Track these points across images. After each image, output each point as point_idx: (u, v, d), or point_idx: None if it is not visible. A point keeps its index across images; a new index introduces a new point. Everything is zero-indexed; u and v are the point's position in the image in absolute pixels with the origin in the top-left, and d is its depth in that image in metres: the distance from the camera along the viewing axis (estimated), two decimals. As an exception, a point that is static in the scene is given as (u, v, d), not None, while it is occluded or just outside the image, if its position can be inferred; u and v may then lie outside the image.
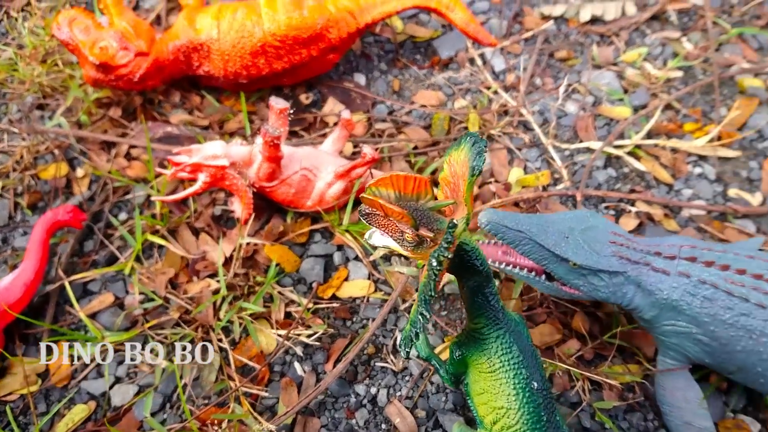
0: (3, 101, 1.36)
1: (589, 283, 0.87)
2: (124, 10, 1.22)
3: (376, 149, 1.22)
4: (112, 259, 1.13)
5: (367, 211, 0.68)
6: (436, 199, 0.68)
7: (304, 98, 1.32)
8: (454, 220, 0.61)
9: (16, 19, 1.48)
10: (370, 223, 0.69)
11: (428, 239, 0.65)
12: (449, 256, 0.58)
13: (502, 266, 0.93)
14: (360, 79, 1.37)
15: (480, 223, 0.88)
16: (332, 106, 1.30)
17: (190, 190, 1.06)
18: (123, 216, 1.18)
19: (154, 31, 1.24)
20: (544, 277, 0.91)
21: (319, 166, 1.09)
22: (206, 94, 1.32)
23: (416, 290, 1.04)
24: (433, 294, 0.59)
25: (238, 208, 1.10)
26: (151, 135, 1.24)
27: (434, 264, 0.58)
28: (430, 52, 1.42)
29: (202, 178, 1.04)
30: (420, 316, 0.60)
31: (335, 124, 1.28)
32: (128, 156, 1.24)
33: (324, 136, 1.26)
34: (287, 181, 1.07)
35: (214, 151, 1.03)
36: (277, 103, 1.05)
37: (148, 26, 1.23)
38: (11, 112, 1.33)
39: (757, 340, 0.82)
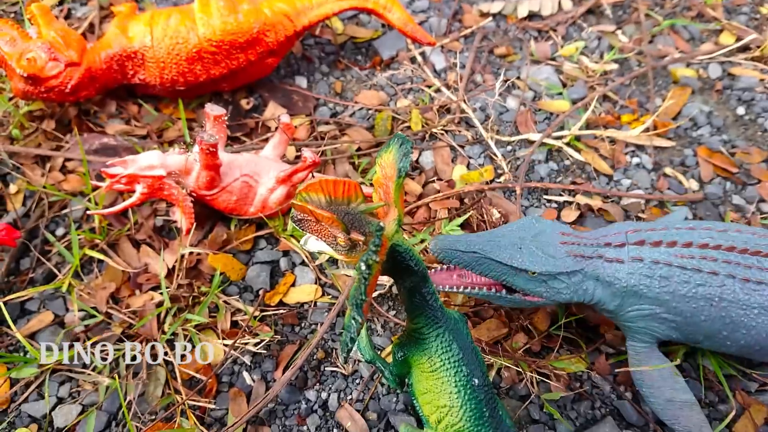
0: (-71, 118, 1.31)
1: (550, 288, 0.88)
2: (52, 20, 1.18)
3: (319, 152, 1.21)
4: (50, 277, 1.09)
5: (298, 217, 0.67)
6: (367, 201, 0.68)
7: (245, 103, 1.31)
8: (381, 223, 0.61)
9: (-59, 32, 1.42)
10: (303, 229, 0.68)
11: (360, 243, 0.65)
12: (377, 260, 0.58)
13: (461, 290, 0.92)
14: (301, 81, 1.36)
15: (431, 251, 0.89)
16: (273, 111, 1.29)
17: (127, 202, 1.03)
18: (61, 231, 1.14)
19: (85, 41, 1.21)
20: (504, 291, 0.92)
21: (260, 172, 1.07)
22: (143, 103, 1.29)
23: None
24: (364, 298, 0.58)
25: (180, 217, 1.08)
26: (86, 147, 1.20)
27: (363, 268, 0.58)
28: (371, 52, 1.42)
29: (140, 189, 1.02)
30: (353, 321, 0.59)
31: (276, 128, 1.27)
32: (64, 169, 1.21)
33: (266, 141, 1.24)
34: (228, 189, 1.05)
35: (149, 161, 1.01)
36: (213, 109, 1.04)
37: (79, 36, 1.19)
38: (-62, 128, 1.28)
39: (717, 306, 0.85)
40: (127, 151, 1.20)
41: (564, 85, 1.35)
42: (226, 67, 1.22)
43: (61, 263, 1.10)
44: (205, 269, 1.08)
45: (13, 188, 1.18)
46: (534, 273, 0.86)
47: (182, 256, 1.07)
